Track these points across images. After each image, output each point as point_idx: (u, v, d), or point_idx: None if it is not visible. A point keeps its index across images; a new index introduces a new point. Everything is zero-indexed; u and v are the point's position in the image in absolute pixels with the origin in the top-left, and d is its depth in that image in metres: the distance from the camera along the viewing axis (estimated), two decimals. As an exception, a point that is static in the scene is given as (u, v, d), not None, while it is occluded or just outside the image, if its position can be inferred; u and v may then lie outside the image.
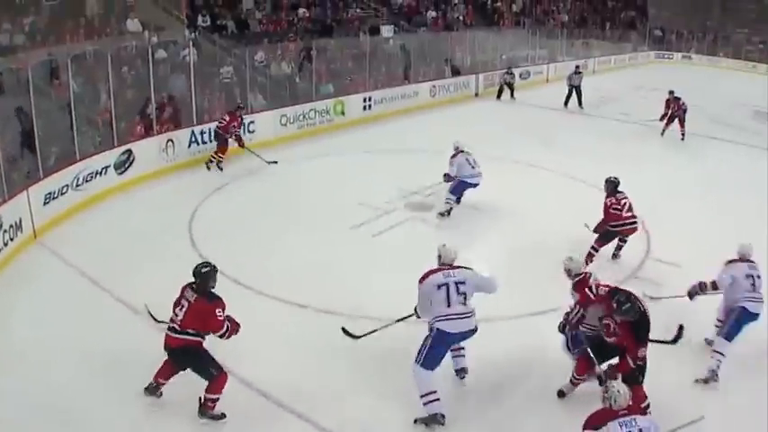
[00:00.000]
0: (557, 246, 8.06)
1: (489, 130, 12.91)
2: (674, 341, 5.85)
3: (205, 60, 14.69)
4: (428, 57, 20.77)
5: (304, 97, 15.59)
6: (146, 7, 16.13)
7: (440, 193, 10.69)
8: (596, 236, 8.45)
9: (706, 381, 6.15)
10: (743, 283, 6.34)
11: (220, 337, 5.39)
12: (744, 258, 6.56)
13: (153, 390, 5.62)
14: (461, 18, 26.09)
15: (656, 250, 8.84)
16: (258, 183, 11.67)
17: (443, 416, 5.45)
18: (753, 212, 9.66)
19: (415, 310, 5.94)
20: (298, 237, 9.06)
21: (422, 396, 5.46)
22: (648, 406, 5.24)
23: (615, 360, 5.50)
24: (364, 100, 16.73)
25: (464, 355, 6.06)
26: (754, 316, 6.33)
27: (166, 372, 5.58)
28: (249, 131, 13.26)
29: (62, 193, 9.44)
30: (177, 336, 5.36)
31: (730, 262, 6.56)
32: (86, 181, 9.96)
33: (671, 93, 16.02)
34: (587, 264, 7.83)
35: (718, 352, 6.25)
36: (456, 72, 21.11)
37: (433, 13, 24.96)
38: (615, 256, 8.72)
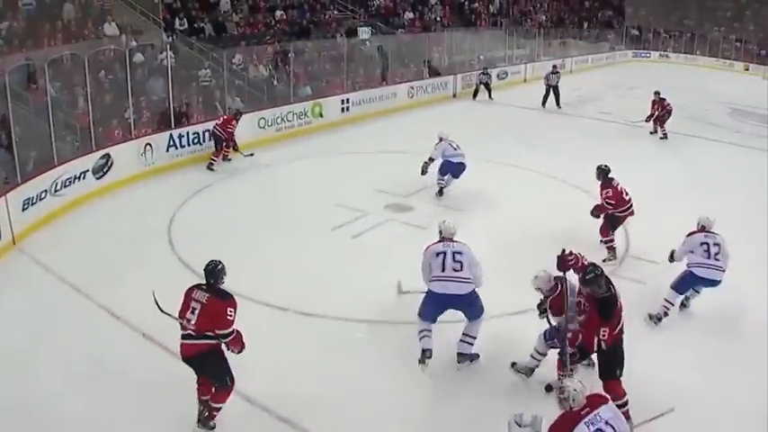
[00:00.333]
0: (539, 243, 8.08)
1: (468, 131, 12.95)
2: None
3: (183, 63, 14.71)
4: (406, 58, 20.90)
5: (282, 100, 15.60)
6: (123, 11, 16.13)
7: (419, 194, 10.85)
8: (600, 229, 8.54)
9: (650, 318, 6.94)
10: (697, 250, 6.90)
11: (224, 338, 5.05)
12: (703, 229, 7.04)
13: (205, 420, 5.23)
14: (439, 19, 26.26)
15: (635, 248, 8.92)
16: (238, 185, 11.68)
17: (427, 351, 5.96)
18: (732, 209, 9.70)
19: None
20: (277, 239, 9.07)
21: (417, 333, 6.06)
22: (627, 403, 5.24)
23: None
24: (342, 102, 16.74)
25: (470, 343, 6.16)
26: (704, 281, 6.86)
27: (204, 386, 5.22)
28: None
29: (41, 199, 9.37)
30: (195, 342, 5.04)
31: (690, 234, 7.07)
32: (65, 186, 9.89)
33: (656, 93, 16.04)
34: (610, 254, 8.45)
35: (666, 300, 6.96)
36: (434, 73, 21.21)
37: (411, 15, 25.12)
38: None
